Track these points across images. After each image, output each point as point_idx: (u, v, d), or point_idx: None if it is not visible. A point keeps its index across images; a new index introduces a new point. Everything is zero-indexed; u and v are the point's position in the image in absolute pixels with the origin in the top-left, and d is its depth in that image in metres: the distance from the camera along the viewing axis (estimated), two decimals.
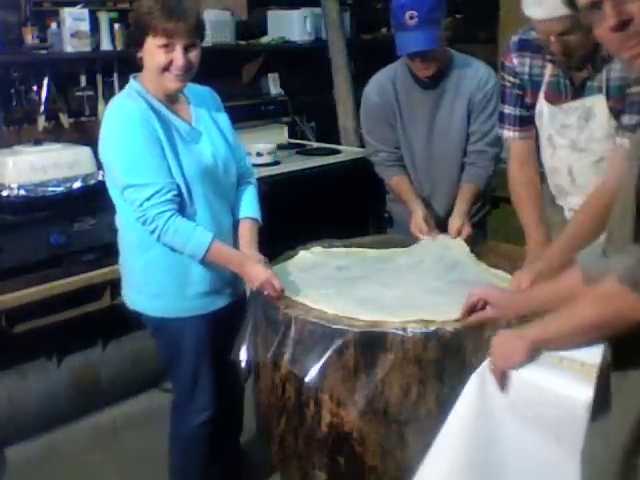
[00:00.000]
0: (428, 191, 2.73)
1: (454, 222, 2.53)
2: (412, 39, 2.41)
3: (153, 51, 2.03)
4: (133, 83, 2.14)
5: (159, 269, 2.16)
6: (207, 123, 2.22)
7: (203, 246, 2.07)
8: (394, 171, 2.72)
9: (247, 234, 2.24)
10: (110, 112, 2.11)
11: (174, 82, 2.08)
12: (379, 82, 2.71)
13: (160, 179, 2.04)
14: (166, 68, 2.04)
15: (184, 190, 2.10)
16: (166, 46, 2.02)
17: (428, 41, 2.41)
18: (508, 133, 2.27)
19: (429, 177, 2.73)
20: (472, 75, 2.60)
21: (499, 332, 1.60)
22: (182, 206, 2.10)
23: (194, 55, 2.08)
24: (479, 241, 2.58)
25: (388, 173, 2.74)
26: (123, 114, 2.07)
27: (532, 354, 1.46)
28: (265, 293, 2.08)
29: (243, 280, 2.25)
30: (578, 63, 2.00)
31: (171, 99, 2.16)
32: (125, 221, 2.18)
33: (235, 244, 2.24)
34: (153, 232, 2.05)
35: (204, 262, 2.12)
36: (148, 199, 2.01)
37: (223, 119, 2.29)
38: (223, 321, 2.24)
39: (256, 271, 2.09)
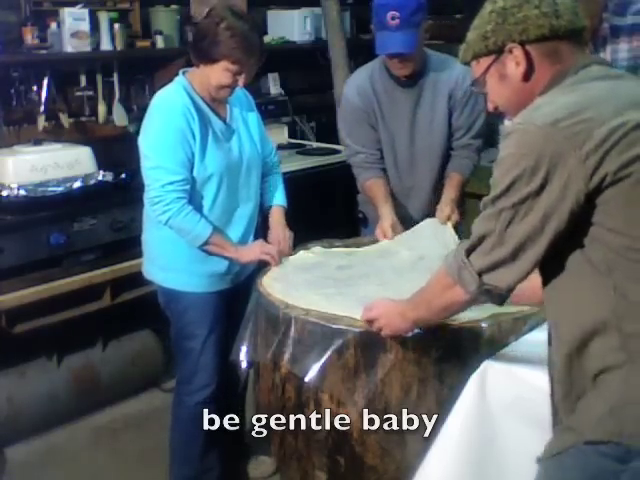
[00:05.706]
0: (409, 186, 2.75)
1: (444, 209, 2.56)
2: (392, 40, 2.43)
3: (220, 72, 2.23)
4: (181, 79, 2.32)
5: (170, 245, 2.35)
6: (239, 122, 2.42)
7: (203, 237, 2.28)
8: (370, 173, 2.71)
9: (276, 218, 2.53)
10: (155, 103, 2.30)
11: (226, 95, 2.31)
12: (357, 83, 2.71)
13: (186, 172, 2.25)
14: (227, 86, 2.27)
15: (202, 180, 2.29)
16: (235, 72, 2.23)
17: (408, 44, 2.43)
18: None
19: (411, 173, 2.74)
20: (449, 73, 2.62)
21: (377, 302, 1.82)
22: (195, 195, 2.29)
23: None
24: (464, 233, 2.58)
25: (364, 175, 2.73)
26: (167, 105, 2.28)
27: (413, 328, 1.77)
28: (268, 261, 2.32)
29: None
30: None
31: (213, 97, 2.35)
32: None
33: (255, 229, 2.48)
34: (164, 213, 2.23)
35: (202, 250, 2.32)
36: (171, 183, 2.22)
37: (253, 118, 2.49)
38: (229, 301, 2.42)
39: (249, 248, 2.37)
